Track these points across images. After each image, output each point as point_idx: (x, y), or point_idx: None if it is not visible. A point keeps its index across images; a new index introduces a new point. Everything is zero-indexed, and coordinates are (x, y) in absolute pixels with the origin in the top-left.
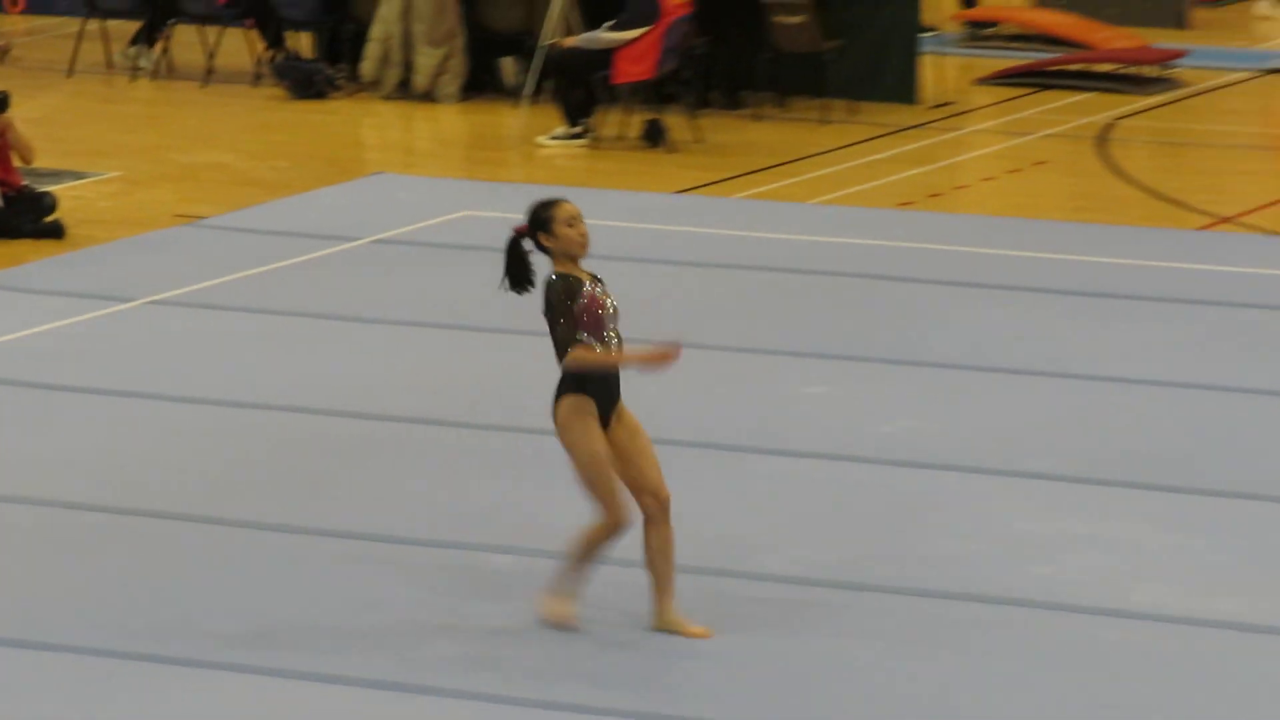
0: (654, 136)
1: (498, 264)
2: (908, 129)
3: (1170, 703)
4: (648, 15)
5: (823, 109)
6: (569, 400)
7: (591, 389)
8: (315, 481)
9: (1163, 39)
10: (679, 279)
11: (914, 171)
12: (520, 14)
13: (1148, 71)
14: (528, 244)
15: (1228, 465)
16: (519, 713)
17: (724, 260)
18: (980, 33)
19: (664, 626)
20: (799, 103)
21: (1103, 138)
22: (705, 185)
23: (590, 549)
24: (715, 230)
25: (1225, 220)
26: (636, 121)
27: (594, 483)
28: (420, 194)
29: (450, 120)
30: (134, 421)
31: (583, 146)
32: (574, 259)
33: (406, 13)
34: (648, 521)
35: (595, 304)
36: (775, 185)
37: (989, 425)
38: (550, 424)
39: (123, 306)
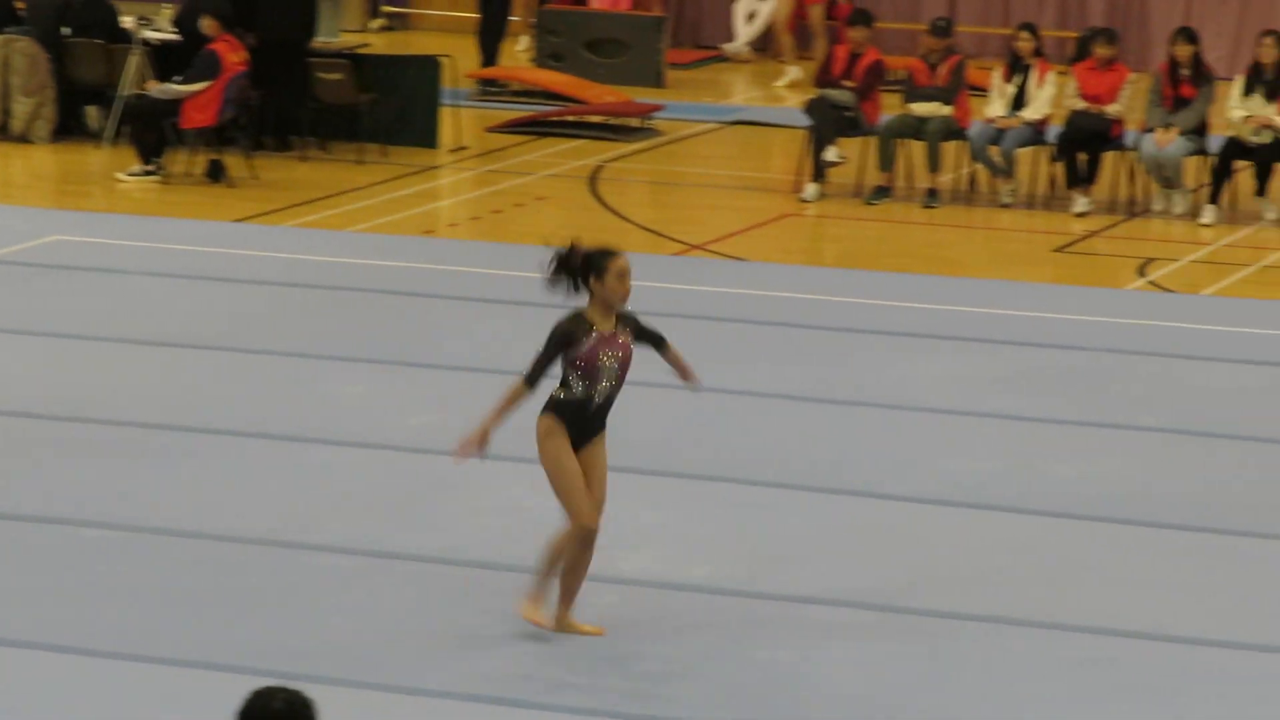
0: (216, 173)
1: (84, 281)
2: (430, 169)
3: (653, 654)
4: (210, 71)
5: (359, 152)
6: (544, 421)
7: (565, 416)
8: None
9: (644, 95)
10: (237, 295)
11: (435, 205)
12: (102, 69)
13: (631, 122)
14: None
15: (698, 452)
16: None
17: (274, 278)
18: (491, 89)
19: (563, 629)
20: (339, 146)
21: (594, 178)
22: (259, 215)
23: (558, 555)
24: (267, 253)
25: (696, 247)
26: (201, 160)
27: (563, 491)
28: (17, 221)
29: (43, 158)
30: None
31: (155, 181)
32: (610, 308)
33: (4, 67)
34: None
35: (594, 355)
36: (319, 216)
37: None
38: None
39: None
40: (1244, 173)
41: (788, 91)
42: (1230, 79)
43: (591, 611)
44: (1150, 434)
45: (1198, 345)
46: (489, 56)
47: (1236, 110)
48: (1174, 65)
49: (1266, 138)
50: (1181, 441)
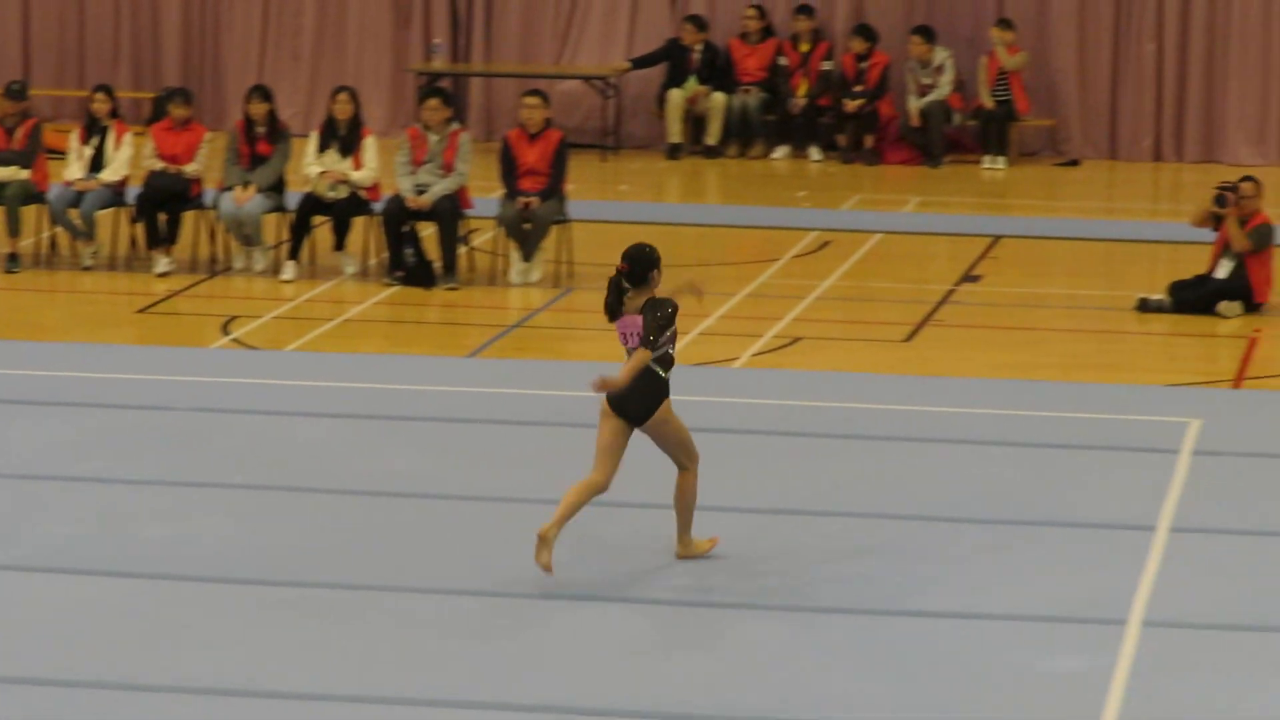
0: None
1: None
2: None
3: None
4: None
5: None
6: (668, 401)
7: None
8: None
9: None
10: None
11: None
12: None
13: None
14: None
15: None
16: None
17: None
18: None
19: (688, 554)
20: None
21: None
22: None
23: (692, 496)
24: None
25: None
26: None
27: (688, 441)
28: None
29: None
30: None
31: None
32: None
33: None
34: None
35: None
36: None
37: None
38: None
39: None
40: (323, 228)
41: None
42: (306, 135)
43: None
44: (241, 490)
45: (283, 401)
46: None
47: (312, 166)
48: (250, 123)
49: (342, 192)
50: (272, 496)
